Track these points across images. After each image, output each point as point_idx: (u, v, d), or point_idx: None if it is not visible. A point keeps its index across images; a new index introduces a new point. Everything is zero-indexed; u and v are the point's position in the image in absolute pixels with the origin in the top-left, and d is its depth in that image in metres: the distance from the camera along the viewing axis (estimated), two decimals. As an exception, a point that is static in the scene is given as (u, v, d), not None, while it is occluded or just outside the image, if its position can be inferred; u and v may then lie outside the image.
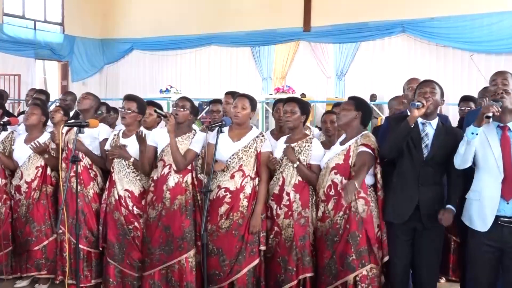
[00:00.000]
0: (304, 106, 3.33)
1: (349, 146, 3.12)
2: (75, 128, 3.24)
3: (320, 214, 3.18)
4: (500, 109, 2.62)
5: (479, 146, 2.72)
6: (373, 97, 10.44)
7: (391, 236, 3.06)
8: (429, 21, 10.35)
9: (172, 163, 3.33)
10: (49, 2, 13.34)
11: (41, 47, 12.68)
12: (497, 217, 2.65)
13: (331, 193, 3.11)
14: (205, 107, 9.51)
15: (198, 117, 7.51)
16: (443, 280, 4.07)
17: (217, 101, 4.41)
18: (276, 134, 3.70)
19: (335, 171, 3.11)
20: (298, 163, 3.19)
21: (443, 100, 3.08)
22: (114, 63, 14.19)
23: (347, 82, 11.37)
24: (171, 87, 10.27)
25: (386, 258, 3.08)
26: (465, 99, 4.26)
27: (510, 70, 8.73)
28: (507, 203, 2.63)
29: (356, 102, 3.19)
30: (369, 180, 3.13)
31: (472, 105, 4.12)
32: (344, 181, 3.05)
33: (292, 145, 3.26)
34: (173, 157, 3.29)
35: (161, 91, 10.23)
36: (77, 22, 13.39)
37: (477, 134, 2.62)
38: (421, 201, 2.89)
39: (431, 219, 2.90)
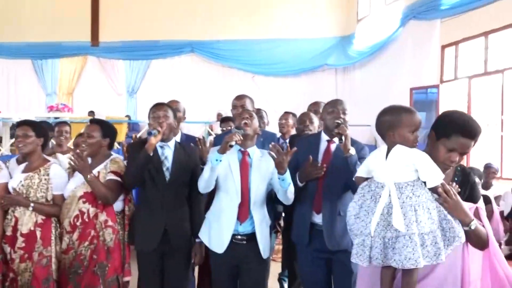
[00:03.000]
0: (39, 128, 3.02)
1: (98, 172, 2.94)
2: None
3: (64, 245, 2.91)
4: (242, 138, 2.74)
5: (222, 169, 2.80)
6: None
7: (141, 263, 2.96)
8: (216, 43, 10.87)
9: None
10: None
11: None
12: (232, 236, 2.77)
13: (77, 223, 2.89)
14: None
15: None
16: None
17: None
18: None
19: (83, 199, 2.90)
20: (32, 205, 2.88)
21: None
22: None
23: (138, 100, 11.18)
24: None
25: (126, 279, 2.99)
26: (225, 120, 4.46)
27: (286, 91, 9.64)
28: (240, 224, 2.77)
29: (102, 127, 3.03)
30: (118, 206, 3.00)
31: (232, 124, 4.33)
32: (92, 209, 2.88)
33: (23, 182, 2.92)
34: None
35: None
36: None
37: (221, 160, 2.69)
38: (168, 224, 2.87)
39: (179, 240, 2.90)
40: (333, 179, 2.79)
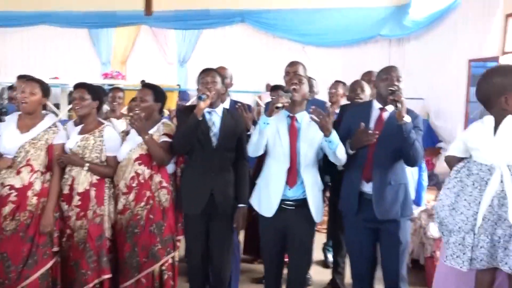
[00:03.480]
0: (94, 92, 3.13)
1: (151, 135, 3.03)
2: None
3: (120, 206, 3.04)
4: (289, 100, 2.73)
5: (270, 135, 2.81)
6: (214, 84, 10.54)
7: (188, 226, 3.06)
8: (266, 12, 10.73)
9: None
10: None
11: None
12: (280, 201, 2.78)
13: (133, 184, 3.01)
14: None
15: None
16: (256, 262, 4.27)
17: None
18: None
19: (139, 161, 3.02)
20: (88, 164, 3.00)
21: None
22: None
23: (189, 69, 11.28)
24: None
25: (179, 237, 3.19)
26: (276, 88, 4.42)
27: (337, 62, 9.39)
28: (289, 189, 2.77)
29: (154, 92, 3.11)
30: (170, 168, 3.10)
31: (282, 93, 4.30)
32: (147, 171, 3.01)
33: (79, 143, 3.04)
34: None
35: (-25, 76, 8.98)
36: None
37: (268, 123, 2.69)
38: (214, 189, 2.92)
39: (224, 205, 2.95)
40: (384, 147, 2.73)
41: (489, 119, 1.69)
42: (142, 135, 2.94)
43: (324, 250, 4.50)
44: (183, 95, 10.39)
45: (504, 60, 6.92)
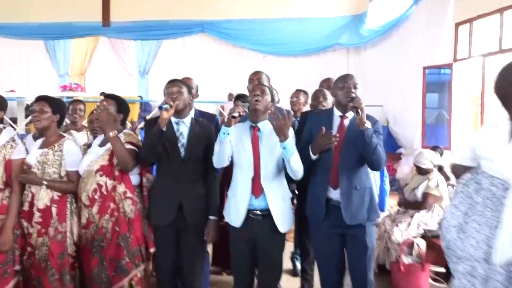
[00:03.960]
0: (56, 105, 3.06)
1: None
2: None
3: (84, 220, 2.96)
4: (246, 109, 2.76)
5: (235, 145, 2.83)
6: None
7: (157, 238, 3.02)
8: (226, 22, 10.79)
9: None
10: None
11: None
12: (248, 211, 2.80)
13: (96, 196, 2.93)
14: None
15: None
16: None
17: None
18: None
19: (101, 173, 2.95)
20: (45, 182, 2.92)
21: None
22: None
23: (150, 80, 11.18)
24: None
25: (152, 250, 3.06)
26: (240, 97, 4.45)
27: (297, 71, 9.53)
28: (256, 198, 2.79)
29: (116, 102, 3.07)
30: (135, 179, 3.05)
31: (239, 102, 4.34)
32: (109, 182, 2.94)
33: (39, 158, 2.96)
34: None
35: None
36: None
37: (228, 133, 2.71)
38: (183, 200, 2.90)
39: (194, 216, 2.93)
40: (348, 154, 2.80)
41: (504, 123, 1.37)
42: (106, 130, 2.86)
43: (293, 258, 4.52)
44: (145, 106, 10.27)
45: (457, 67, 7.22)
